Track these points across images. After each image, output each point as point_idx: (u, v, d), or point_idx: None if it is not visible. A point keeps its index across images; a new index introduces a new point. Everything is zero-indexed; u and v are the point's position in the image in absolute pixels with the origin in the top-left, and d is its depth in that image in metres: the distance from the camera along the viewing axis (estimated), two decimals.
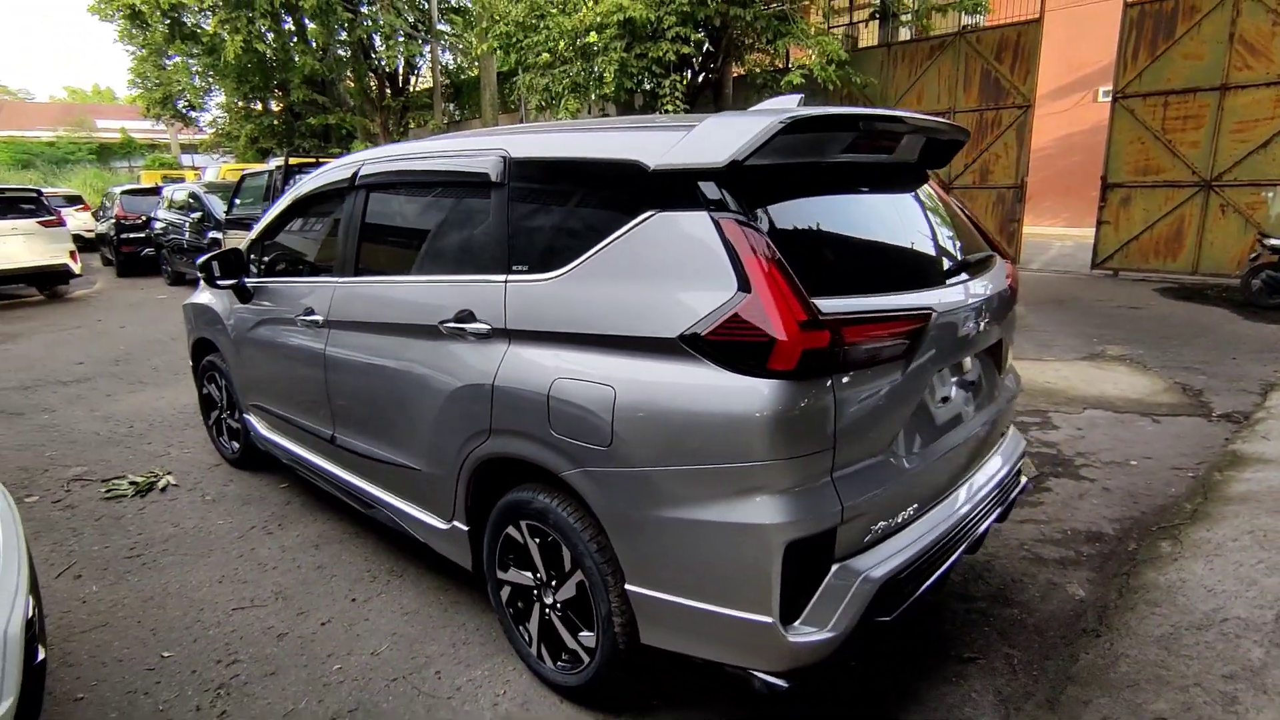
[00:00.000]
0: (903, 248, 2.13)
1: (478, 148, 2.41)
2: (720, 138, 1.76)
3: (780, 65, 13.39)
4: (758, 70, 13.42)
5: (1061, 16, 16.61)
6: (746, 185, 1.81)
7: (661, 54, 11.12)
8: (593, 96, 12.32)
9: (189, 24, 19.71)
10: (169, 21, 18.75)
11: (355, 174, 2.91)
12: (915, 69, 12.33)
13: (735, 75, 14.26)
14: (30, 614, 1.73)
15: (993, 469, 2.36)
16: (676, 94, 11.62)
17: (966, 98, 11.77)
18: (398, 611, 2.80)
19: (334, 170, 3.10)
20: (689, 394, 1.74)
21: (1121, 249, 10.51)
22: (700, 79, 13.49)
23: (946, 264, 2.15)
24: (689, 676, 2.33)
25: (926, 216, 2.32)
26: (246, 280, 3.56)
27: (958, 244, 2.31)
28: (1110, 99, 10.34)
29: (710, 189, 1.78)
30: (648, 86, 11.63)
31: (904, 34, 13.31)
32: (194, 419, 5.00)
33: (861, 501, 1.76)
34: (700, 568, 1.79)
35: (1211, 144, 9.54)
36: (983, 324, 2.15)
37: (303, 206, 3.34)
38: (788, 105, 2.19)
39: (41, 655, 1.77)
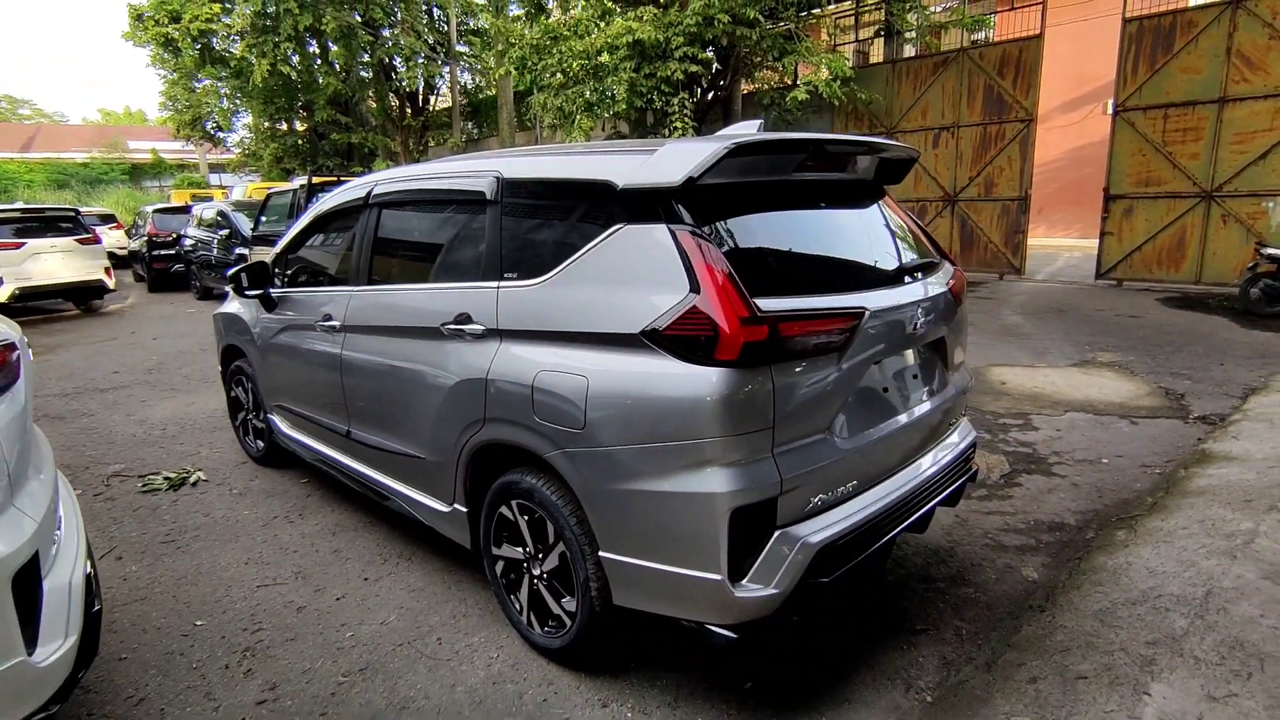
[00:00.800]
0: (845, 255, 2.40)
1: (475, 169, 2.71)
2: (676, 161, 2.04)
3: (789, 82, 13.71)
4: (765, 88, 13.74)
5: (1070, 31, 16.81)
6: (702, 201, 2.09)
7: (670, 73, 11.47)
8: (605, 115, 12.71)
9: (218, 49, 20.52)
10: (199, 47, 19.55)
11: (369, 193, 3.23)
12: (920, 85, 12.58)
13: (744, 92, 14.60)
14: (89, 571, 2.04)
15: (938, 456, 2.60)
16: (685, 111, 11.97)
17: (970, 112, 11.99)
18: (405, 589, 3.08)
19: (350, 190, 3.43)
20: (649, 381, 2.02)
21: (1125, 259, 10.63)
22: (709, 97, 13.84)
23: (887, 269, 2.41)
24: (660, 642, 2.58)
25: (875, 228, 2.58)
26: (272, 290, 3.89)
27: (903, 252, 2.57)
28: (1103, 110, 10.48)
29: (668, 205, 2.06)
30: (658, 104, 11.99)
31: (909, 50, 13.56)
32: (222, 422, 5.35)
33: (800, 475, 2.02)
34: (660, 533, 2.05)
35: (1211, 155, 9.68)
36: (922, 322, 2.40)
37: (323, 223, 3.68)
38: (748, 130, 2.48)
39: (97, 606, 2.07)
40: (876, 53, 14.51)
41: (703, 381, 1.92)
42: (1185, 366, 6.12)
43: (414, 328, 2.85)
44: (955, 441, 2.74)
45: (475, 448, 2.59)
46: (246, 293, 3.87)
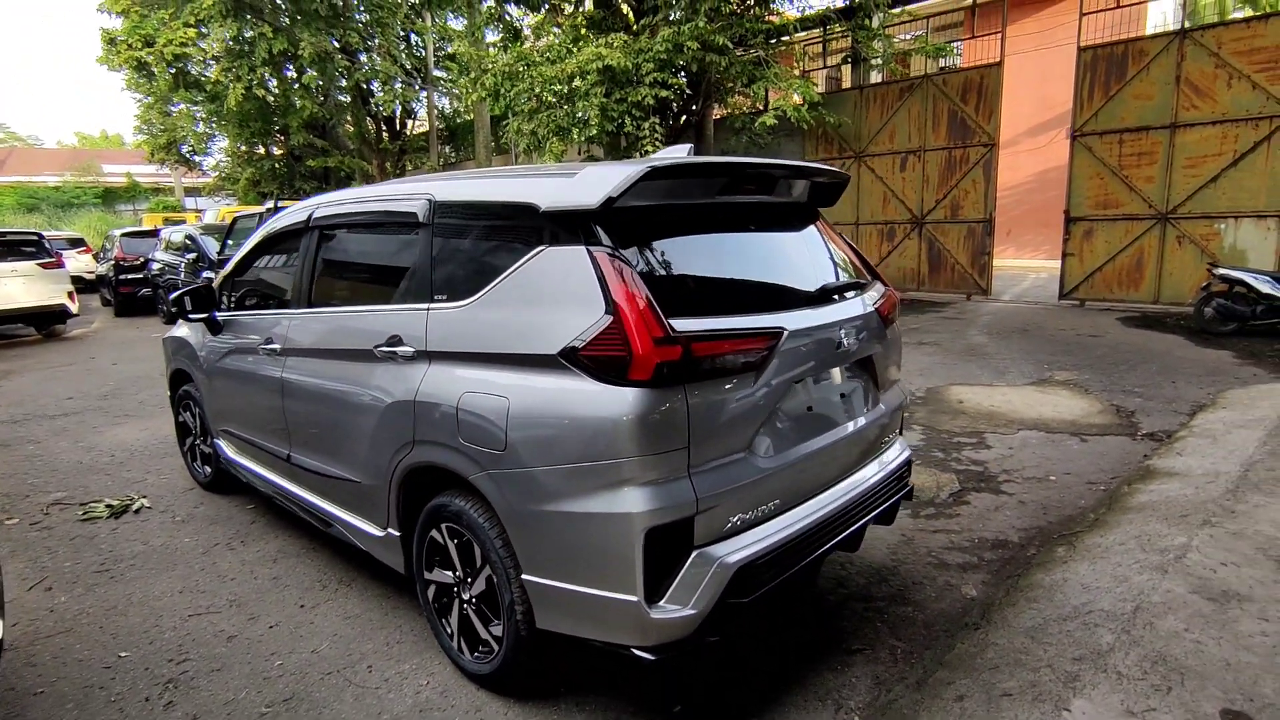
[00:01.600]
0: (768, 275, 2.43)
1: (410, 192, 2.72)
2: (596, 183, 2.06)
3: (759, 108, 13.93)
4: (736, 113, 13.95)
5: (1034, 58, 17.27)
6: (623, 223, 2.11)
7: (641, 98, 11.61)
8: (578, 139, 12.83)
9: (193, 73, 20.48)
10: (174, 71, 19.50)
11: (310, 216, 3.23)
12: (887, 110, 12.84)
13: (717, 117, 14.82)
14: None
15: (869, 474, 2.61)
16: (657, 135, 12.10)
17: (935, 137, 12.24)
18: (341, 616, 3.02)
19: (295, 213, 3.42)
20: (567, 402, 2.02)
21: (1086, 280, 10.84)
22: (682, 121, 14.02)
23: (811, 290, 2.43)
24: (591, 667, 2.55)
25: (803, 249, 2.62)
26: (217, 314, 3.85)
27: (830, 273, 2.60)
28: (1067, 135, 10.76)
29: (588, 227, 2.08)
30: (629, 128, 12.13)
31: (876, 77, 13.86)
32: (173, 448, 5.25)
33: (718, 495, 2.02)
34: (578, 555, 2.04)
35: (1166, 178, 9.94)
36: (848, 342, 2.43)
37: (268, 245, 3.66)
38: (677, 154, 2.51)
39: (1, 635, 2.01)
40: (848, 78, 14.81)
41: (618, 401, 1.92)
42: (1138, 384, 6.23)
43: (349, 350, 2.83)
44: (888, 459, 2.76)
45: (406, 470, 2.56)
46: (190, 316, 3.83)
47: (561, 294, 2.09)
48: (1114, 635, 2.48)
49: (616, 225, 2.09)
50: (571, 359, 2.01)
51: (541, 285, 2.16)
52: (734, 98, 13.97)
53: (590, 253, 2.04)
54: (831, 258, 2.69)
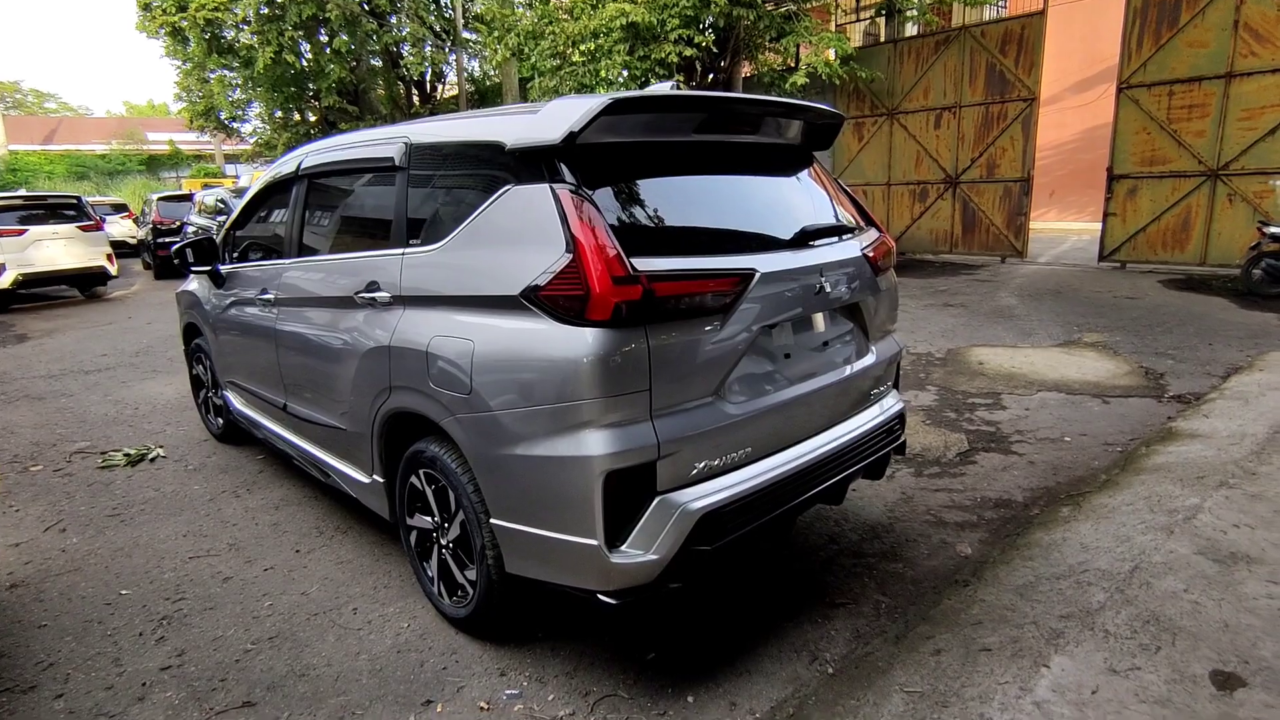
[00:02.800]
0: (746, 217, 2.33)
1: (389, 135, 2.68)
2: (557, 118, 1.99)
3: (791, 64, 13.50)
4: (765, 69, 13.55)
5: (1081, 9, 16.41)
6: (590, 160, 2.04)
7: (665, 55, 11.34)
8: None
9: (227, 38, 20.63)
10: (207, 37, 19.66)
11: (299, 165, 3.22)
12: (921, 64, 12.33)
13: (746, 74, 14.42)
14: None
15: (855, 425, 2.53)
16: None
17: (972, 91, 11.74)
18: (334, 561, 3.08)
19: (286, 163, 3.42)
20: (528, 343, 1.98)
21: (1129, 241, 10.37)
22: (709, 79, 13.68)
23: (791, 233, 2.33)
24: (567, 613, 2.56)
25: (788, 192, 2.52)
26: (220, 267, 3.90)
27: (817, 216, 2.49)
28: (1115, 89, 10.21)
29: (552, 163, 2.01)
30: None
31: (911, 30, 13.30)
32: (192, 401, 5.39)
33: (682, 440, 1.97)
34: (542, 498, 2.02)
35: (1218, 133, 9.38)
36: (830, 287, 2.33)
37: (264, 196, 3.67)
38: (661, 89, 2.41)
39: None
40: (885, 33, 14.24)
41: (577, 342, 1.88)
42: (1172, 347, 5.96)
43: (333, 297, 2.83)
44: (878, 411, 2.67)
45: (385, 416, 2.57)
46: (192, 269, 3.88)
47: (525, 233, 2.04)
48: (1106, 594, 2.39)
49: (584, 162, 2.02)
50: (532, 299, 1.96)
51: (507, 225, 2.11)
52: (763, 54, 13.56)
53: (553, 190, 1.98)
54: (821, 201, 2.58)
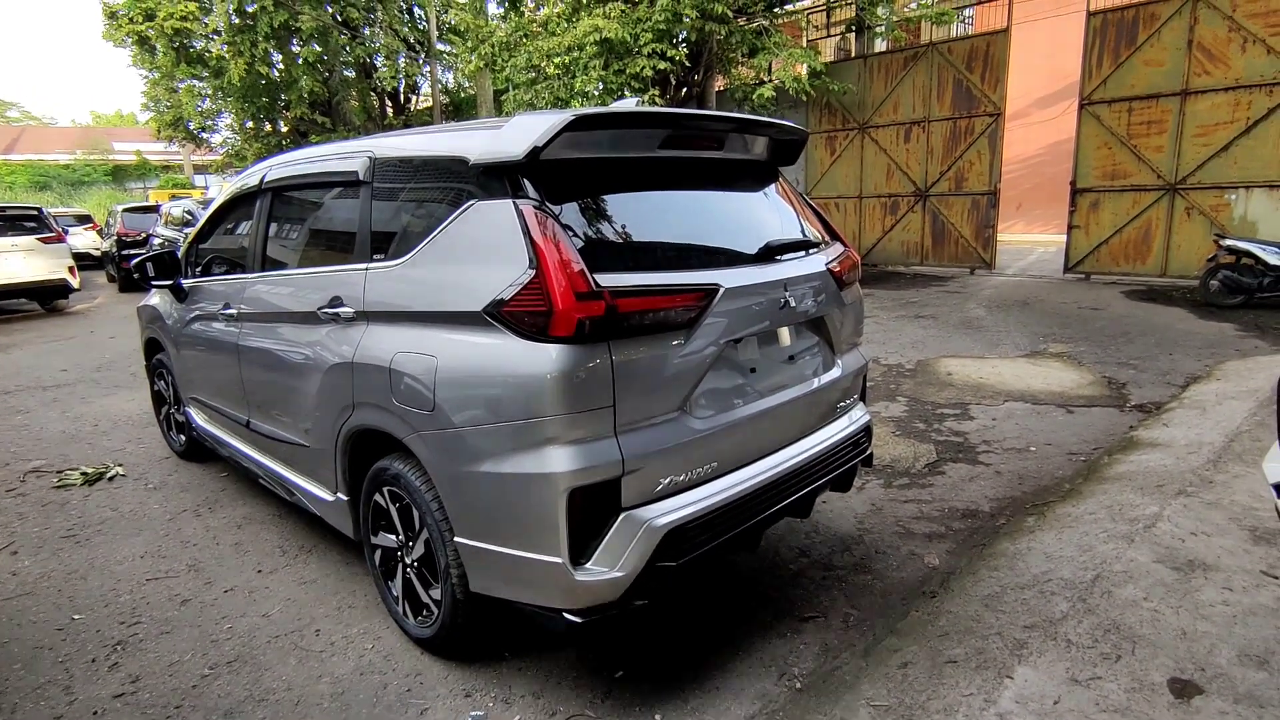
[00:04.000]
0: (711, 232, 2.34)
1: (352, 150, 2.66)
2: (521, 134, 1.98)
3: (764, 78, 13.66)
4: (738, 83, 13.70)
5: (1046, 26, 16.84)
6: (553, 176, 2.03)
7: (639, 70, 11.41)
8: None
9: (196, 49, 20.37)
10: (175, 46, 19.39)
11: (263, 178, 3.17)
12: (891, 79, 12.56)
13: (719, 88, 14.56)
14: None
15: (821, 438, 2.54)
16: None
17: (940, 107, 11.97)
18: (298, 581, 3.01)
19: (249, 176, 3.37)
20: (491, 359, 1.96)
21: (1092, 253, 10.62)
22: (683, 93, 13.79)
23: (755, 248, 2.35)
24: (532, 633, 2.53)
25: (752, 208, 2.54)
26: (182, 281, 3.82)
27: (781, 231, 2.51)
28: (1078, 105, 10.48)
29: (515, 179, 2.00)
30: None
31: (880, 45, 13.55)
32: (154, 418, 5.27)
33: (647, 456, 1.96)
34: (505, 516, 1.99)
35: (1175, 148, 9.67)
36: (795, 301, 2.35)
37: (228, 209, 3.61)
38: (626, 106, 2.42)
39: None
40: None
41: (540, 358, 1.87)
42: (1134, 357, 6.09)
43: (296, 312, 2.79)
44: (844, 424, 2.69)
45: (349, 433, 2.53)
46: (152, 283, 3.80)
47: (488, 249, 2.03)
48: (1069, 603, 2.42)
49: (547, 178, 2.02)
50: (495, 315, 1.95)
51: (471, 240, 2.09)
52: (736, 68, 13.71)
53: (516, 205, 1.97)
54: (786, 216, 2.61)
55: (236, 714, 2.23)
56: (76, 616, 2.81)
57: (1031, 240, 17.33)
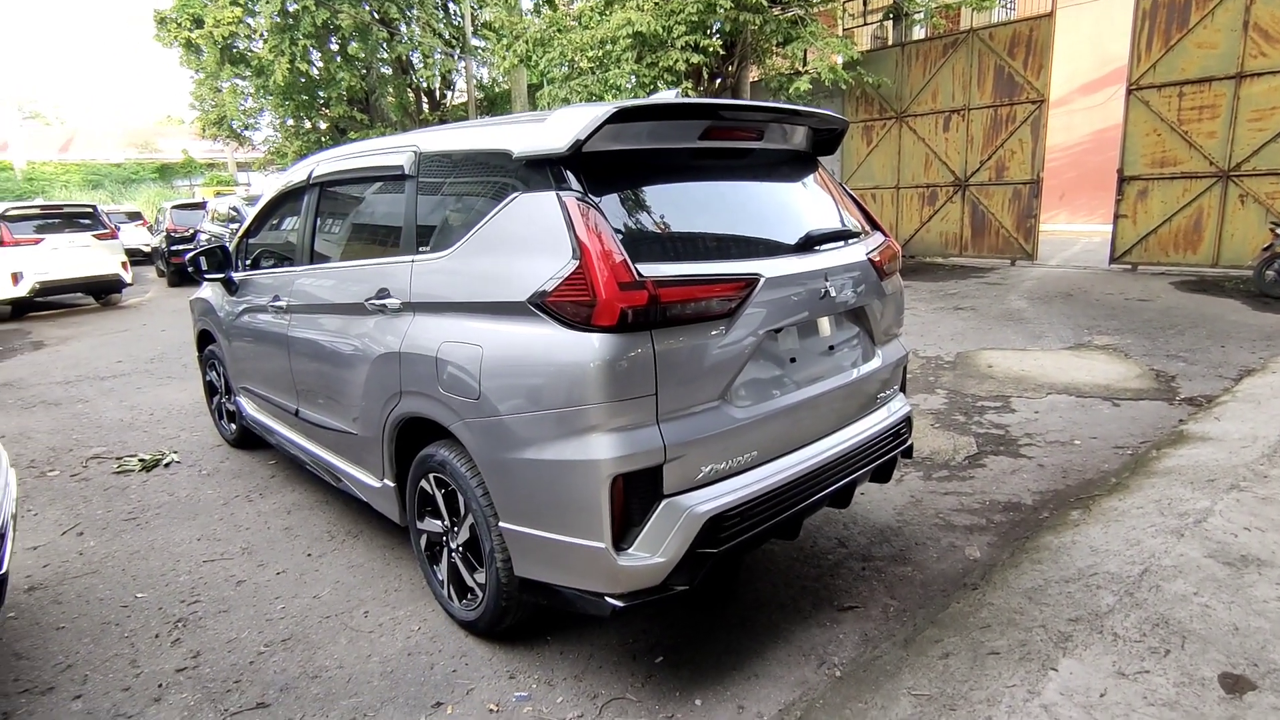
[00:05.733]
0: (751, 222, 2.36)
1: (398, 144, 2.72)
2: (563, 127, 2.02)
3: (799, 69, 13.51)
4: (773, 74, 13.58)
5: (1090, 10, 16.36)
6: (595, 167, 2.07)
7: (672, 63, 11.38)
8: None
9: (240, 49, 20.88)
10: (220, 48, 19.91)
11: (310, 173, 3.26)
12: (929, 67, 12.32)
13: (754, 79, 14.45)
14: None
15: (861, 429, 2.54)
16: None
17: (980, 94, 11.72)
18: (346, 564, 3.11)
19: (297, 171, 3.47)
20: (536, 349, 2.00)
21: (1140, 243, 10.31)
22: (717, 84, 13.72)
23: (796, 238, 2.35)
24: (576, 617, 2.57)
25: (792, 197, 2.54)
26: (233, 274, 3.95)
27: (822, 221, 2.51)
28: (1125, 91, 10.17)
29: (558, 171, 2.04)
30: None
31: (919, 33, 13.30)
32: (206, 407, 5.45)
33: (688, 444, 1.99)
34: (550, 502, 2.04)
35: (1229, 134, 9.32)
36: (835, 291, 2.35)
37: (276, 205, 3.72)
38: (666, 97, 2.44)
39: (4, 569, 2.12)
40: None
41: (583, 347, 1.90)
42: (1184, 349, 5.92)
43: (344, 304, 2.87)
44: (884, 414, 2.68)
45: (396, 422, 2.60)
46: (205, 277, 3.93)
47: (532, 241, 2.07)
48: (1115, 597, 2.39)
49: (589, 170, 2.05)
50: (540, 305, 1.99)
51: (515, 232, 2.14)
52: (771, 59, 13.59)
53: (560, 198, 2.01)
54: (826, 206, 2.60)
55: (292, 689, 2.32)
56: (140, 595, 2.94)
57: (1075, 231, 16.86)
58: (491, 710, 2.19)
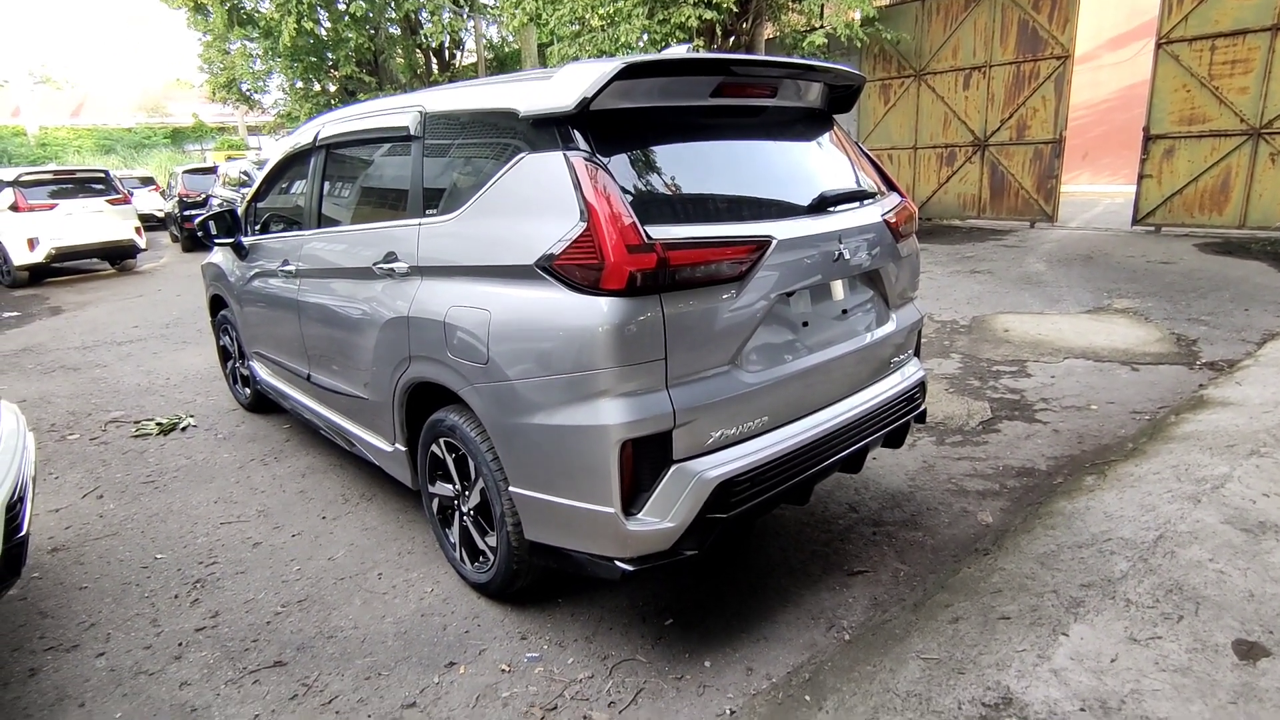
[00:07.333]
0: (763, 183, 2.30)
1: (404, 105, 2.67)
2: (570, 84, 1.96)
3: (816, 24, 13.13)
4: (789, 30, 13.21)
5: None
6: (604, 126, 2.01)
7: (684, 19, 11.09)
8: None
9: (246, 9, 20.58)
10: (227, 8, 19.63)
11: (316, 135, 3.22)
12: (950, 22, 11.94)
13: (769, 36, 14.08)
14: (14, 498, 2.12)
15: (874, 393, 2.51)
16: None
17: (1003, 50, 11.36)
18: (360, 527, 3.15)
19: (303, 133, 3.42)
20: (544, 312, 1.98)
21: (1164, 203, 10.05)
22: (730, 42, 13.38)
23: (809, 199, 2.29)
24: (586, 579, 2.59)
25: (810, 156, 2.47)
26: (242, 239, 3.93)
27: (836, 182, 2.45)
28: (1154, 45, 9.81)
29: (565, 131, 1.99)
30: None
31: None
32: (222, 372, 5.50)
33: (698, 409, 1.97)
34: (559, 466, 2.03)
35: (1262, 89, 9.00)
36: (849, 254, 2.29)
37: (283, 168, 3.68)
38: (677, 53, 2.36)
39: (23, 532, 2.16)
40: None
41: (592, 311, 1.88)
42: (1206, 312, 5.80)
43: (352, 268, 2.85)
44: (897, 379, 2.64)
45: (406, 386, 2.60)
46: (214, 241, 3.92)
47: (540, 202, 2.03)
48: (1129, 563, 2.37)
49: (598, 129, 2.00)
50: (547, 269, 1.96)
51: (522, 194, 2.10)
52: (786, 15, 13.21)
53: (567, 158, 1.96)
54: (841, 166, 2.53)
55: (308, 649, 2.36)
56: (159, 556, 3.00)
57: (1098, 192, 16.48)
58: (504, 670, 2.22)
